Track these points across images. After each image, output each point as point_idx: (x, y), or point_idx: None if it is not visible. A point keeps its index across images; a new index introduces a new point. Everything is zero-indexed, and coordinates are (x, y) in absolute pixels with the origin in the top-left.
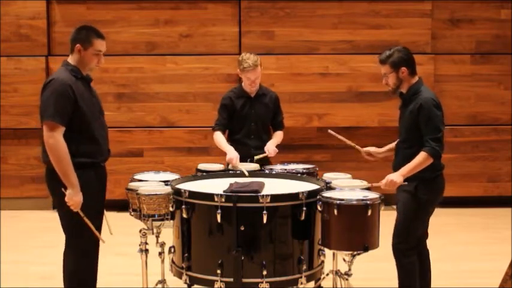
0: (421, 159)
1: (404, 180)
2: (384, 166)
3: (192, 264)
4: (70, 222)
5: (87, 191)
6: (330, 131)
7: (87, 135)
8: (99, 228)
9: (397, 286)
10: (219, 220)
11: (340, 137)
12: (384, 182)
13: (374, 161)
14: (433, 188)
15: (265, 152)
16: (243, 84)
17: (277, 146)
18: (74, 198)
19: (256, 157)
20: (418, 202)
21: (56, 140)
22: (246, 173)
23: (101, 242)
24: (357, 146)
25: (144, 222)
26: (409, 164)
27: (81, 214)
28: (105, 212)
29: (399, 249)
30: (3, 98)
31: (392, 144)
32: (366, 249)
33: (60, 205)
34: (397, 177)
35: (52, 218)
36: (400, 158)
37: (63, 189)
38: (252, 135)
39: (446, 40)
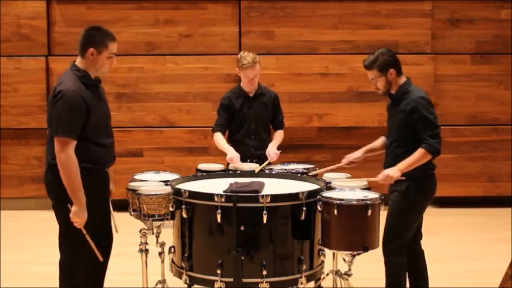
0: (419, 155)
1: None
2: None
3: (192, 264)
4: (69, 232)
5: (89, 196)
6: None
7: (93, 142)
8: (108, 230)
9: None
10: (219, 220)
11: (321, 170)
12: (380, 176)
13: (356, 165)
14: (425, 188)
15: (267, 158)
16: (241, 83)
17: (278, 147)
18: (80, 215)
19: (260, 167)
20: (409, 202)
21: (67, 156)
22: (248, 167)
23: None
24: (337, 165)
25: (144, 222)
26: (407, 159)
27: (84, 232)
28: (112, 212)
29: (388, 248)
30: (3, 98)
31: (370, 145)
32: (366, 249)
33: (58, 209)
34: (393, 172)
35: (52, 218)
36: (391, 158)
37: (69, 205)
38: (252, 135)
39: (446, 40)
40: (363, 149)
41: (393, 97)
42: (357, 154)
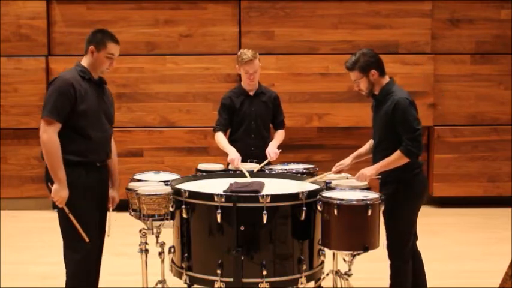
0: (395, 156)
1: (384, 182)
2: None
3: (192, 264)
4: (67, 220)
5: (75, 189)
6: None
7: (81, 134)
8: (99, 228)
9: None
10: (219, 220)
11: (314, 178)
12: (356, 175)
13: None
14: (414, 187)
15: (267, 158)
16: (242, 82)
17: (278, 146)
18: (60, 193)
19: (259, 166)
20: (401, 203)
21: (49, 135)
22: (247, 174)
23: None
24: (326, 174)
25: (144, 222)
26: (383, 160)
27: (66, 211)
28: (110, 212)
29: (392, 251)
30: (3, 98)
31: (359, 151)
32: (366, 249)
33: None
34: (368, 170)
35: (52, 218)
36: (378, 160)
37: (49, 184)
38: (252, 133)
39: (446, 40)
40: (352, 156)
41: (377, 98)
42: (346, 162)
